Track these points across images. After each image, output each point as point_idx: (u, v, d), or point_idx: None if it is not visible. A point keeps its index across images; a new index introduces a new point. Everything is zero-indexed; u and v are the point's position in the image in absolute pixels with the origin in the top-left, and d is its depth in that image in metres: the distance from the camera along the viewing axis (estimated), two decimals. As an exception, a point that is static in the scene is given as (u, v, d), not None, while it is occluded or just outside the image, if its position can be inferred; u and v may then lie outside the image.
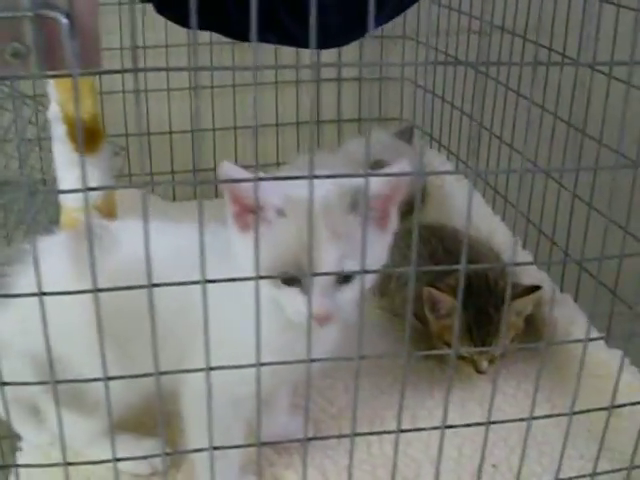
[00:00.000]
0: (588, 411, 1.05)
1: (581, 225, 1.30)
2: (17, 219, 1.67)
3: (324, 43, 1.38)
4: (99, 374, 0.74)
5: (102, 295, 0.71)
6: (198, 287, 0.72)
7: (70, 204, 1.30)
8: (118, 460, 0.81)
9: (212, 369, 0.78)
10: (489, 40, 1.53)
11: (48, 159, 1.51)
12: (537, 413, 1.21)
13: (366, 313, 1.40)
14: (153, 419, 1.17)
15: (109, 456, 0.81)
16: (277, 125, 1.98)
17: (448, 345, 1.28)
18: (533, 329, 1.37)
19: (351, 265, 0.87)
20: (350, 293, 0.89)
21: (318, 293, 0.87)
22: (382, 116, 2.02)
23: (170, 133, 1.91)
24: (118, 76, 1.82)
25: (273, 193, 0.85)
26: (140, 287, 0.70)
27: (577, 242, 1.31)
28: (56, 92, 1.24)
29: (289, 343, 0.93)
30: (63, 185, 1.27)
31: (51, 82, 1.24)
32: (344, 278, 0.88)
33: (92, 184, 1.19)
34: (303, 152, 1.87)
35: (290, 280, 0.87)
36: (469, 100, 1.69)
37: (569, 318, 1.32)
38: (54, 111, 1.25)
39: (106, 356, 0.73)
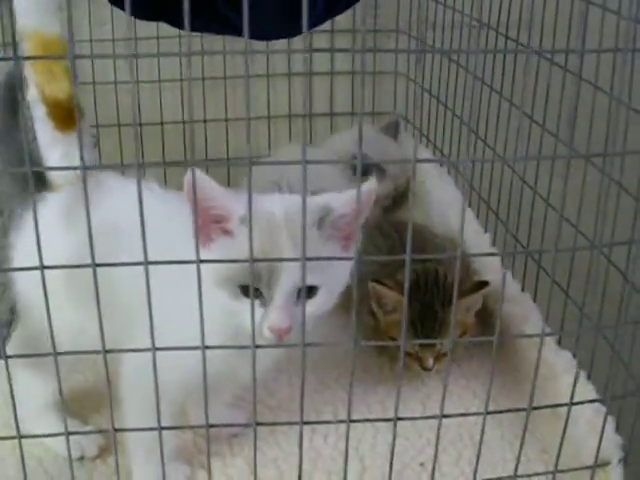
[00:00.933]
0: (505, 411, 1.03)
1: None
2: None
3: (262, 34, 1.38)
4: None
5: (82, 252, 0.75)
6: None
7: (58, 181, 1.32)
8: (70, 434, 0.86)
9: (157, 349, 0.78)
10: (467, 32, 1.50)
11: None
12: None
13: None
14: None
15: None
16: (269, 117, 1.97)
17: (393, 340, 1.26)
18: (490, 328, 1.35)
19: (314, 279, 0.86)
20: (311, 308, 0.88)
21: (278, 307, 0.86)
22: (376, 110, 1.99)
23: (161, 124, 1.91)
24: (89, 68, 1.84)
25: (238, 202, 0.85)
26: (85, 266, 0.73)
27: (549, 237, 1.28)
28: (33, 75, 1.26)
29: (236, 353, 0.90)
30: (48, 164, 1.27)
31: (28, 66, 1.26)
32: (307, 291, 0.87)
33: (75, 160, 1.24)
34: (285, 145, 1.85)
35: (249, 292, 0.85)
36: (457, 95, 1.66)
37: (523, 317, 1.29)
38: (33, 94, 1.27)
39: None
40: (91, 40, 1.83)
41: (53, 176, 1.30)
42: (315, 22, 1.46)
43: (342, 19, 1.83)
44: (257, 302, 0.86)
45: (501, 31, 1.45)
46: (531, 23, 1.24)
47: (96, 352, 0.79)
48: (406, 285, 0.80)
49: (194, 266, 0.74)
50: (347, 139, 1.77)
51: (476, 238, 1.49)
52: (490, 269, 1.40)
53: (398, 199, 1.78)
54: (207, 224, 0.87)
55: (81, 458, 1.12)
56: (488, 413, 0.92)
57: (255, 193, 0.83)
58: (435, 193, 1.70)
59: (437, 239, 1.42)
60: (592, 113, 1.10)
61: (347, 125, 1.95)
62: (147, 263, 0.73)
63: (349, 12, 1.64)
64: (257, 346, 0.80)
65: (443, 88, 1.72)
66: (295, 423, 0.88)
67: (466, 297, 1.24)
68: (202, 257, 0.79)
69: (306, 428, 1.15)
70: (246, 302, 0.85)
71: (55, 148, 1.26)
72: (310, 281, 0.84)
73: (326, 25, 1.84)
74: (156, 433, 0.85)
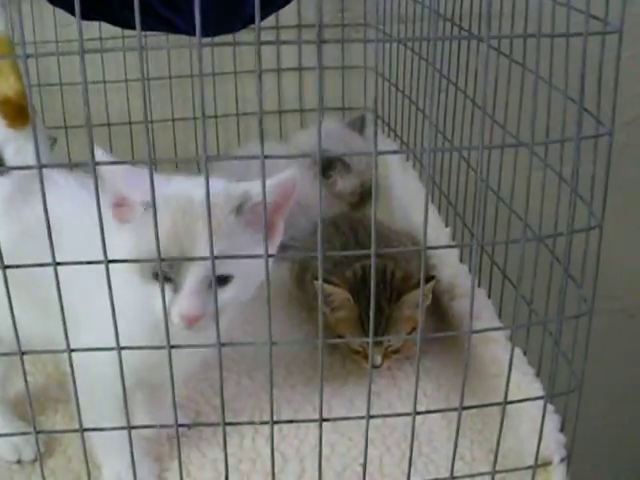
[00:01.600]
0: (434, 412, 1.00)
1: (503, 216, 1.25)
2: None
3: (207, 30, 1.36)
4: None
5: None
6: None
7: None
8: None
9: (72, 351, 0.79)
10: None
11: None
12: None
13: (284, 305, 1.40)
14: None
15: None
16: (237, 115, 1.96)
17: (340, 337, 1.24)
18: (443, 323, 1.32)
19: (227, 268, 0.84)
20: (225, 295, 0.86)
21: (188, 293, 0.83)
22: (346, 105, 1.96)
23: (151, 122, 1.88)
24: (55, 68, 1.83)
25: (139, 186, 0.81)
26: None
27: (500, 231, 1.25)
28: None
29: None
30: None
31: None
32: (219, 280, 0.84)
33: (28, 156, 1.23)
34: (254, 140, 1.83)
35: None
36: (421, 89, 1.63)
37: (475, 313, 1.26)
38: None
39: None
40: (57, 41, 1.82)
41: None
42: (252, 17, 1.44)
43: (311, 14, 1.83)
44: (168, 287, 0.83)
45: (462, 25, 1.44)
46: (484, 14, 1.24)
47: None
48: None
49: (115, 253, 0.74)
50: (312, 135, 1.74)
51: (436, 232, 1.46)
52: (447, 264, 1.38)
53: (365, 195, 1.75)
54: (118, 207, 0.85)
55: (18, 462, 1.10)
56: (418, 413, 0.90)
57: (172, 176, 0.81)
58: (398, 187, 1.67)
59: (393, 234, 1.40)
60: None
61: (316, 120, 1.92)
62: (56, 264, 0.73)
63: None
64: (172, 346, 0.78)
65: (408, 81, 1.69)
66: (216, 424, 0.86)
67: (412, 292, 1.21)
68: (117, 235, 0.82)
69: (249, 428, 1.14)
70: (157, 286, 0.81)
71: (9, 144, 1.25)
72: (222, 270, 0.83)
73: (293, 19, 1.84)
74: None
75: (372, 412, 1.17)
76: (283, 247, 1.57)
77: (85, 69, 0.66)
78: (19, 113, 1.26)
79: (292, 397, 1.21)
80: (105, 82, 1.86)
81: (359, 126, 1.80)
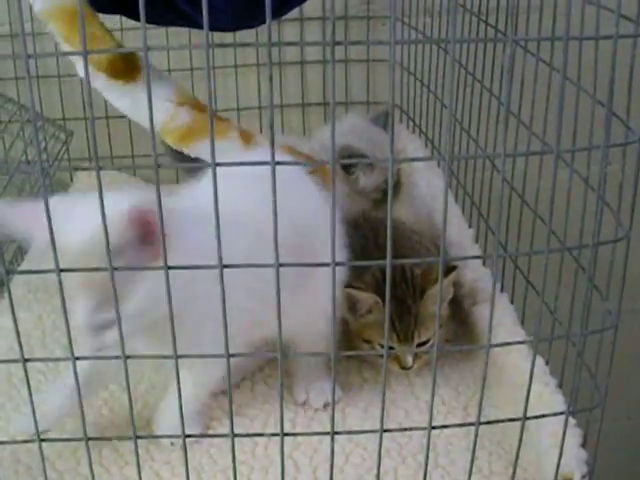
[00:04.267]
0: (451, 426, 0.97)
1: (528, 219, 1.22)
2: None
3: (220, 25, 1.33)
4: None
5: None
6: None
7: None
8: None
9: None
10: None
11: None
12: (450, 421, 1.15)
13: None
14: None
15: None
16: (260, 108, 1.92)
17: (368, 342, 1.20)
18: (465, 327, 1.29)
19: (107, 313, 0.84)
20: (112, 336, 0.86)
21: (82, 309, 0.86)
22: (371, 100, 1.92)
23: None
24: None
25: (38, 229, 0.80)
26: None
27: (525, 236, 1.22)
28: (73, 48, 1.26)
29: None
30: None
31: (63, 42, 1.27)
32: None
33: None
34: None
35: None
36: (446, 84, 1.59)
37: (497, 320, 1.22)
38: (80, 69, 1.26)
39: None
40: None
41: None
42: (275, 12, 1.41)
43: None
44: None
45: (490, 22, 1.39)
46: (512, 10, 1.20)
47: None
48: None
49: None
50: (336, 131, 1.70)
51: (459, 234, 1.42)
52: (470, 268, 1.34)
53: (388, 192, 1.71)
54: None
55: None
56: (434, 428, 0.86)
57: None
58: (422, 185, 1.64)
59: (416, 236, 1.36)
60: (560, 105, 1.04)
61: (341, 114, 1.89)
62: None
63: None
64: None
65: (434, 77, 1.66)
66: (225, 435, 0.83)
67: (435, 285, 1.17)
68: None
69: (262, 437, 1.12)
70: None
71: (125, 98, 1.30)
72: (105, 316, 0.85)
73: (319, 13, 1.80)
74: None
75: (388, 421, 1.15)
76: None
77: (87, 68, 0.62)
78: (127, 67, 1.29)
79: (307, 406, 1.18)
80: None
81: (383, 121, 1.76)
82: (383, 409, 0.83)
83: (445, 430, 1.10)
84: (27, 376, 0.80)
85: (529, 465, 1.02)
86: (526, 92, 1.17)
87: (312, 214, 1.07)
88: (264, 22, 1.32)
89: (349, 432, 1.00)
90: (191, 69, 1.84)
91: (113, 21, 1.69)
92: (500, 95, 1.29)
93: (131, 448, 1.07)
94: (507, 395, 1.13)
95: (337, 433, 0.85)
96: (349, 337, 1.23)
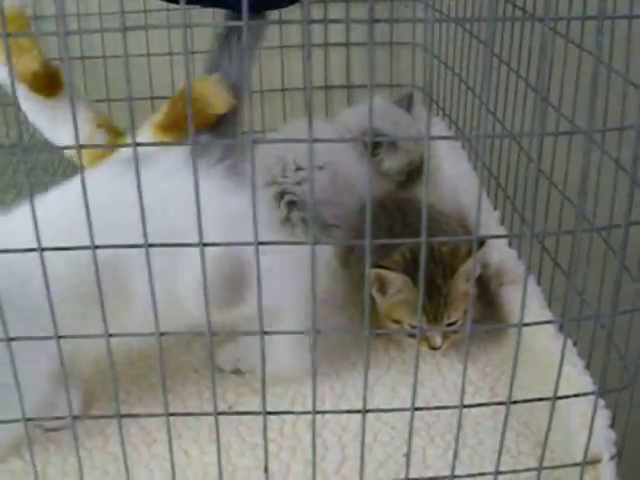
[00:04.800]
0: (481, 405, 0.97)
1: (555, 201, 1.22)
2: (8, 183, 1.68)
3: (257, 5, 1.33)
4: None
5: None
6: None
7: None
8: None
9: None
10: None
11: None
12: (478, 402, 1.15)
13: (327, 286, 1.38)
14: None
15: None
16: (283, 90, 1.93)
17: (397, 322, 1.21)
18: (491, 309, 1.29)
19: None
20: None
21: None
22: (394, 82, 1.92)
23: (151, 99, 1.85)
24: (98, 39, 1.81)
25: None
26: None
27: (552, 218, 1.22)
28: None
29: None
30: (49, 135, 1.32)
31: None
32: None
33: (63, 124, 1.23)
34: (298, 117, 1.80)
35: None
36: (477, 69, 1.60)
37: (526, 302, 1.22)
38: (3, 76, 1.25)
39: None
40: (100, 14, 1.81)
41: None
42: None
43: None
44: None
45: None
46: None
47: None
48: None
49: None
50: (359, 112, 1.71)
51: (485, 215, 1.42)
52: (496, 248, 1.34)
53: (413, 174, 1.72)
54: None
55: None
56: (464, 407, 0.87)
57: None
58: (447, 168, 1.64)
59: (443, 218, 1.36)
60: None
61: (364, 97, 1.89)
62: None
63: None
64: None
65: (458, 59, 1.65)
66: (258, 413, 0.84)
67: (465, 263, 1.18)
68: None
69: (290, 415, 1.13)
70: None
71: (43, 113, 1.30)
72: None
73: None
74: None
75: (416, 401, 1.15)
76: (327, 226, 1.57)
77: (126, 45, 0.63)
78: (50, 83, 1.28)
79: (334, 384, 1.19)
80: (149, 55, 1.84)
81: (407, 104, 1.76)
82: (415, 387, 0.83)
83: (473, 410, 1.11)
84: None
85: (557, 446, 1.02)
86: (555, 74, 1.16)
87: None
88: (291, 4, 1.33)
89: (381, 410, 1.00)
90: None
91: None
92: (527, 77, 1.29)
93: (158, 426, 1.10)
94: (534, 376, 1.13)
95: (369, 411, 0.85)
96: (376, 316, 1.23)
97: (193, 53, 1.74)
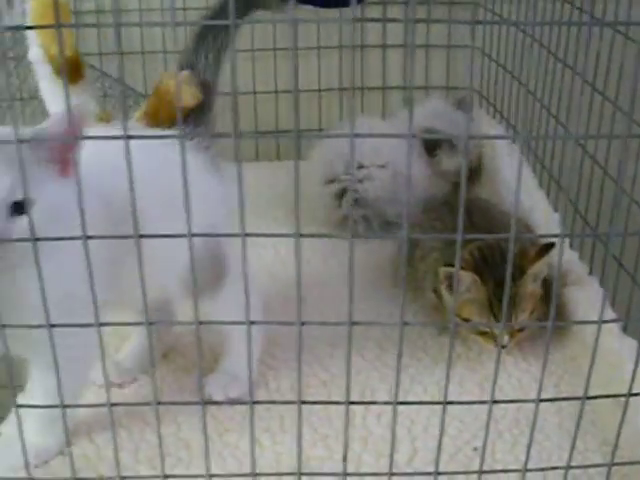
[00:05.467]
0: (559, 399, 0.99)
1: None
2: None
3: (329, 2, 1.36)
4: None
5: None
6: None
7: None
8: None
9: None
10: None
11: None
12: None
13: (390, 283, 1.41)
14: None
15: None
16: (341, 89, 1.96)
17: (465, 320, 1.23)
18: (558, 311, 1.31)
19: (22, 194, 0.83)
20: (20, 227, 0.85)
21: None
22: (450, 84, 1.95)
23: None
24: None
25: None
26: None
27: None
28: (37, 37, 1.33)
29: None
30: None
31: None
32: (17, 209, 0.85)
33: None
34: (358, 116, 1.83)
35: None
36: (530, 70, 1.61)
37: (588, 301, 1.25)
38: (36, 54, 1.34)
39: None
40: (162, 9, 1.85)
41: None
42: None
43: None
44: None
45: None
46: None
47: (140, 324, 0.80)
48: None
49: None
50: (418, 113, 1.73)
51: (546, 218, 1.45)
52: (557, 250, 1.36)
53: (469, 175, 1.74)
54: None
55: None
56: (541, 401, 0.89)
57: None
58: (505, 170, 1.66)
59: (505, 218, 1.38)
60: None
61: (420, 99, 1.91)
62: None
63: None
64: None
65: (518, 62, 1.67)
66: (341, 403, 0.86)
67: (535, 264, 1.21)
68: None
69: (359, 407, 1.15)
70: None
71: (58, 96, 1.34)
72: (20, 195, 0.84)
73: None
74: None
75: (483, 396, 1.18)
76: (389, 223, 1.60)
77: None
78: (75, 71, 1.36)
79: (402, 378, 1.21)
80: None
81: (465, 106, 1.78)
82: (495, 381, 0.86)
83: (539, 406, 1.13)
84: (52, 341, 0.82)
85: (625, 443, 1.03)
86: (612, 73, 1.18)
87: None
88: (358, 3, 1.35)
89: (461, 402, 1.02)
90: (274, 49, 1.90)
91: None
92: (594, 81, 1.31)
93: (230, 415, 1.13)
94: (599, 375, 1.15)
95: (449, 403, 0.87)
96: (443, 313, 1.26)
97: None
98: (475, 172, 1.75)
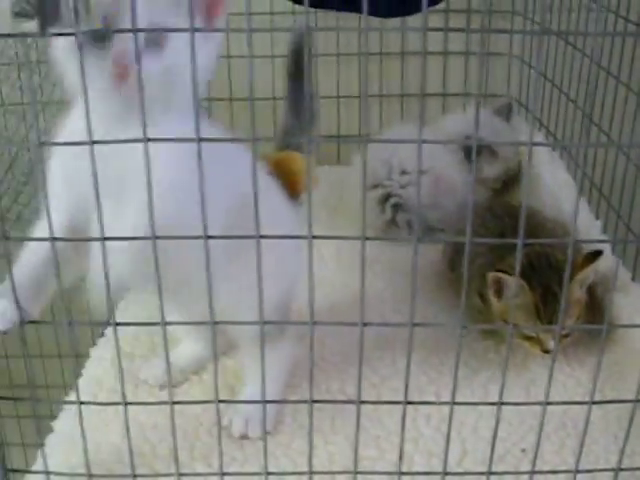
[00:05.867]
0: (611, 402, 1.01)
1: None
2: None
3: (381, 11, 1.39)
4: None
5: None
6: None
7: None
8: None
9: None
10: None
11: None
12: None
13: (434, 287, 1.43)
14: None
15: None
16: (381, 96, 1.98)
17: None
18: (599, 315, 1.33)
19: (161, 18, 0.82)
20: (158, 62, 0.84)
21: (120, 45, 0.82)
22: (488, 92, 1.97)
23: (274, 99, 1.91)
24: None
25: None
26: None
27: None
28: None
29: None
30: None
31: None
32: (153, 42, 0.83)
33: None
34: (397, 124, 1.85)
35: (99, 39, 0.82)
36: (572, 79, 1.64)
37: (634, 307, 1.27)
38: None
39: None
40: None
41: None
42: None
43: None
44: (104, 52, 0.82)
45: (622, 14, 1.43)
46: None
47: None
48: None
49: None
50: (459, 120, 1.76)
51: (587, 224, 1.47)
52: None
53: (509, 182, 1.77)
54: None
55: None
56: (594, 403, 0.91)
57: None
58: (546, 177, 1.68)
59: (549, 223, 1.40)
60: None
61: (459, 106, 1.93)
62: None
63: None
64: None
65: (558, 71, 1.69)
66: (399, 402, 0.88)
67: (582, 271, 1.22)
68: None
69: (409, 408, 1.17)
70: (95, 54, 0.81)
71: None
72: (158, 18, 0.82)
73: (441, 5, 1.84)
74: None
75: (528, 400, 1.20)
76: (431, 229, 1.62)
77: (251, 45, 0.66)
78: None
79: (449, 380, 1.23)
80: (273, 57, 1.88)
81: (505, 113, 1.80)
82: (549, 383, 0.88)
83: (584, 411, 1.15)
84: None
85: (673, 447, 1.06)
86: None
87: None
88: (419, 11, 1.38)
89: (516, 404, 1.04)
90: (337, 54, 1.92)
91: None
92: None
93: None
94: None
95: (504, 404, 0.89)
96: (488, 316, 1.28)
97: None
98: (514, 179, 1.77)
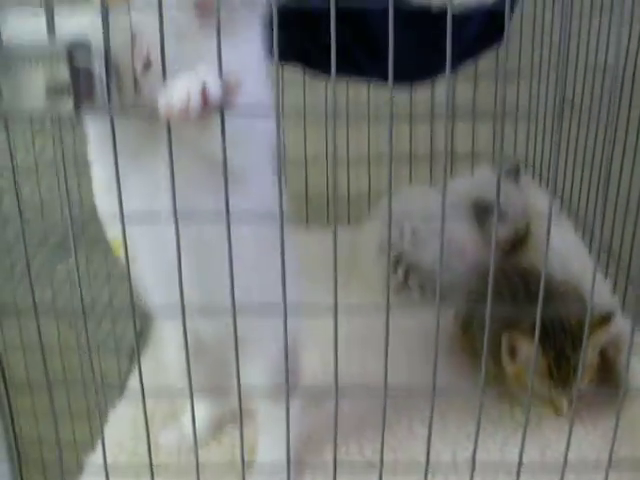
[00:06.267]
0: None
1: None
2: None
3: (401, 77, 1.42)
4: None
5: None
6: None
7: None
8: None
9: None
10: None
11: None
12: (603, 464, 1.20)
13: (449, 349, 1.44)
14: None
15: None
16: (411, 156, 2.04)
17: (525, 387, 1.27)
18: (611, 375, 1.34)
19: None
20: None
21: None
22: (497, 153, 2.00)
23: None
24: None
25: None
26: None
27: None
28: None
29: None
30: None
31: None
32: None
33: None
34: (406, 186, 1.88)
35: None
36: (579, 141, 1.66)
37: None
38: None
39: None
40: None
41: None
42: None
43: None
44: None
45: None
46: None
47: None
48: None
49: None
50: (468, 182, 1.79)
51: (597, 286, 1.48)
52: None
53: (517, 243, 1.79)
54: None
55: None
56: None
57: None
58: (554, 239, 1.69)
59: (561, 287, 1.42)
60: None
61: (467, 167, 1.97)
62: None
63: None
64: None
65: (566, 132, 1.72)
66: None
67: (595, 334, 1.25)
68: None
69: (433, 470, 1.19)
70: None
71: None
72: None
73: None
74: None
75: (541, 464, 1.21)
76: (442, 292, 1.64)
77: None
78: None
79: (467, 445, 1.25)
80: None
81: (514, 175, 1.83)
82: (569, 442, 0.89)
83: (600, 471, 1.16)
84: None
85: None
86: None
87: None
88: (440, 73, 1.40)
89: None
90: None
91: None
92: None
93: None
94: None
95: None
96: (502, 380, 1.29)
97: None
98: (522, 240, 1.79)
